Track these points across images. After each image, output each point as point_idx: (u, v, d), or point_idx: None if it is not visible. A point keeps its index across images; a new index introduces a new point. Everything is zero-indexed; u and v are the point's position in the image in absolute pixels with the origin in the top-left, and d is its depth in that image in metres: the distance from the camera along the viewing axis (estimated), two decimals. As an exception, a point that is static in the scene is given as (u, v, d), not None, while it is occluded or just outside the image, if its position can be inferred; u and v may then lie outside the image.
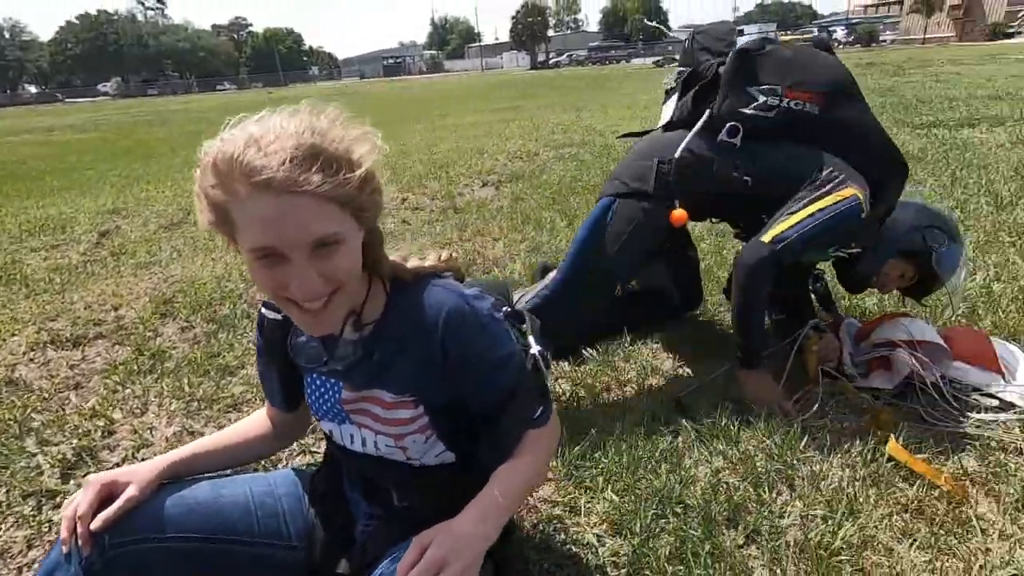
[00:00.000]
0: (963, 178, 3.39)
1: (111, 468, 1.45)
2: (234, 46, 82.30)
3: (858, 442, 1.31)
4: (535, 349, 0.87)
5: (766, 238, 1.43)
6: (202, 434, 1.56)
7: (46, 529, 1.27)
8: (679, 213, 1.54)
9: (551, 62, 51.26)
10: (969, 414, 1.37)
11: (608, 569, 1.07)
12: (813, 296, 1.84)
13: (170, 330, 2.26)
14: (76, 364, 2.04)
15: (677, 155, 1.54)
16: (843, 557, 1.04)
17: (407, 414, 0.84)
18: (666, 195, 1.57)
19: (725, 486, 1.22)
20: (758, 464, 1.27)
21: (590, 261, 1.65)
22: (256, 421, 1.03)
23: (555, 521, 1.19)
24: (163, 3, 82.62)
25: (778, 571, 1.03)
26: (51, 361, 2.07)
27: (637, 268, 1.84)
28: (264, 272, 0.69)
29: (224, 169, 0.65)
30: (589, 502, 1.22)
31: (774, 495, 1.20)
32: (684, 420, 1.44)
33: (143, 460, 1.45)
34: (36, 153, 9.32)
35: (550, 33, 59.94)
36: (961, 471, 1.22)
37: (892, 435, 1.29)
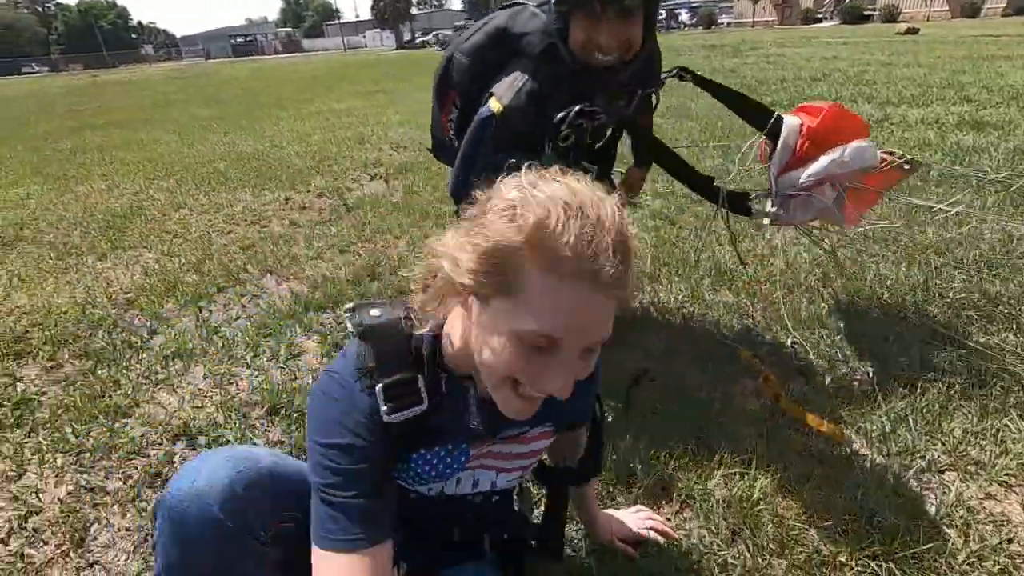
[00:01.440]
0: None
1: (-5, 547, 1.25)
2: (39, 21, 70.01)
3: (758, 403, 1.51)
4: None
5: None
6: (104, 489, 1.39)
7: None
8: None
9: (418, 41, 50.00)
10: (836, 364, 1.63)
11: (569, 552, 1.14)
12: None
13: (31, 373, 1.95)
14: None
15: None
16: (762, 506, 1.20)
17: (543, 444, 0.88)
18: None
19: (655, 462, 1.35)
20: (679, 437, 1.42)
21: None
22: None
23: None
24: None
25: (712, 527, 1.17)
26: None
27: None
28: (521, 357, 0.60)
29: (554, 239, 0.55)
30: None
31: (700, 461, 1.35)
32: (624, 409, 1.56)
33: (34, 530, 1.28)
34: None
35: (414, 11, 58.26)
36: (837, 416, 1.46)
37: (782, 394, 1.50)
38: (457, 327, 0.72)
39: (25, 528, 1.30)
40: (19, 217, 3.82)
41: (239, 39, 69.84)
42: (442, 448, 0.78)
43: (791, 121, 1.59)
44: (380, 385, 0.70)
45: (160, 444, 1.54)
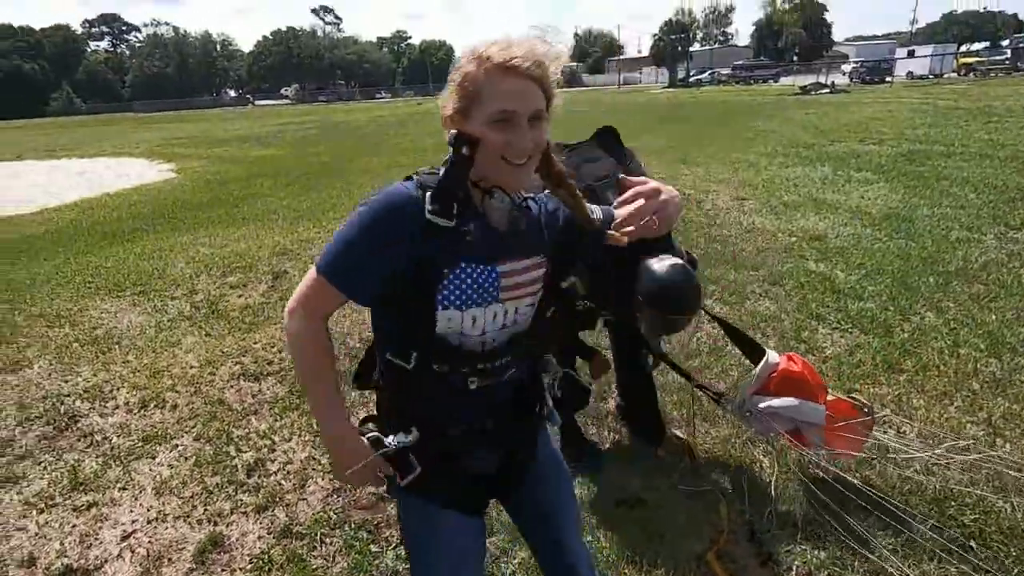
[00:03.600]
0: (966, 340, 3.56)
1: (272, 477, 2.55)
2: (393, 58, 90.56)
3: (698, 546, 2.01)
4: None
5: None
6: (319, 461, 2.62)
7: (240, 503, 2.39)
8: None
9: (692, 79, 50.17)
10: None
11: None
12: None
13: (310, 376, 3.41)
14: (256, 394, 3.25)
15: None
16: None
17: (540, 272, 1.14)
18: None
19: (605, 549, 1.99)
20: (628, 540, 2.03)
21: None
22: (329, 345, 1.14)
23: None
24: (339, 19, 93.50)
25: (602, 615, 1.80)
26: (242, 389, 3.31)
27: None
28: (497, 134, 0.98)
29: (488, 56, 0.98)
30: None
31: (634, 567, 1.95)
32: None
33: (288, 471, 2.55)
34: (234, 174, 11.78)
35: (696, 48, 58.33)
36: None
37: (715, 550, 1.96)
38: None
39: (285, 470, 2.59)
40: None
41: (531, 73, 79.77)
42: (470, 266, 1.04)
43: (772, 358, 2.02)
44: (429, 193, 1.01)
45: (350, 444, 2.75)
